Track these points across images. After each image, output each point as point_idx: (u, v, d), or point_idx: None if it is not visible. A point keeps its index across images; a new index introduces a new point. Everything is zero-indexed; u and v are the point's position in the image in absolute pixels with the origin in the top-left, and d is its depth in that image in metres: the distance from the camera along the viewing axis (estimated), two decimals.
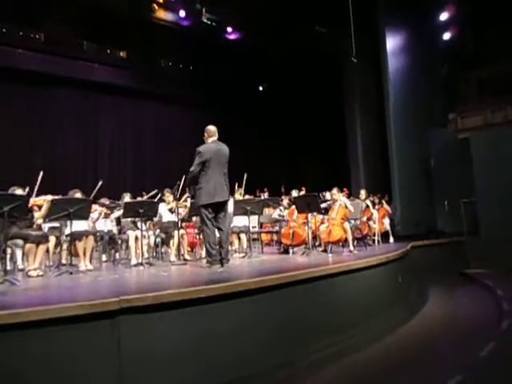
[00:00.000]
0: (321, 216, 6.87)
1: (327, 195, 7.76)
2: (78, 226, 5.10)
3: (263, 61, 13.09)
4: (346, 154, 13.43)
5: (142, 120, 13.29)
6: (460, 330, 4.74)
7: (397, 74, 11.81)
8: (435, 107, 12.13)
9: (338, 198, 6.46)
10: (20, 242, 4.63)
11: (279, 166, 14.54)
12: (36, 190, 5.09)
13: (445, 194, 11.21)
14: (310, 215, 6.44)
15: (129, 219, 5.73)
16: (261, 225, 7.73)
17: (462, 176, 10.69)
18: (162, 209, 6.24)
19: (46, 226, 5.41)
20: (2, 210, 3.94)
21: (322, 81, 13.66)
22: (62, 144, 11.66)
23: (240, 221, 6.47)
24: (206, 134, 4.92)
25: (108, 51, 12.13)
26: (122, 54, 12.41)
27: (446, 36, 12.23)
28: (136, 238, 5.58)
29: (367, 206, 7.59)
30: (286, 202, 7.93)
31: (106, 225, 6.34)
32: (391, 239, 8.56)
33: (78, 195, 5.40)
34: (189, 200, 6.37)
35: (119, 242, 6.10)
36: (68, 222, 4.83)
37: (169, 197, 6.33)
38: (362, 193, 7.90)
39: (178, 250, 5.98)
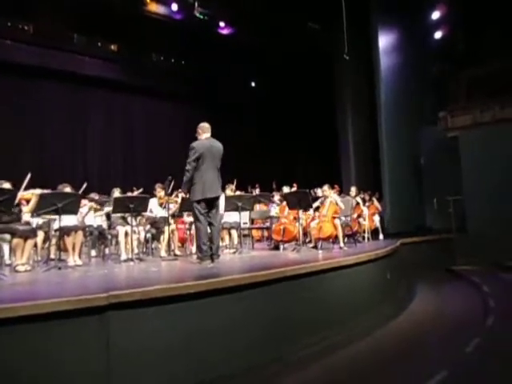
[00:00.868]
0: (311, 212, 6.90)
1: (318, 192, 7.79)
2: (67, 220, 5.05)
3: (255, 56, 13.06)
4: (338, 151, 13.48)
5: (133, 114, 13.16)
6: (446, 325, 4.82)
7: (388, 73, 11.88)
8: (425, 106, 12.24)
9: (329, 195, 6.49)
10: (7, 236, 4.56)
11: (271, 163, 14.53)
12: (23, 187, 4.98)
13: (434, 192, 11.34)
14: (300, 211, 6.46)
15: (118, 214, 5.69)
16: (252, 221, 7.74)
17: (452, 174, 10.83)
18: (153, 204, 6.20)
19: (34, 221, 5.35)
20: None
21: (314, 78, 13.68)
22: (51, 138, 11.50)
23: (231, 217, 6.47)
24: (199, 131, 4.92)
25: (99, 44, 11.95)
26: (112, 47, 12.25)
27: (438, 35, 12.32)
28: (126, 234, 5.54)
29: (357, 203, 7.65)
30: (277, 198, 7.94)
31: (96, 220, 6.29)
32: (381, 236, 8.64)
33: (68, 190, 5.34)
34: (180, 196, 6.35)
35: (109, 237, 6.06)
36: (57, 217, 4.78)
37: (160, 192, 6.29)
38: (353, 190, 7.96)
39: (169, 245, 5.96)
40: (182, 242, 6.96)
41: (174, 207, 6.28)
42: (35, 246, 5.08)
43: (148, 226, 6.21)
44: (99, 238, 6.14)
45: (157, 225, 6.13)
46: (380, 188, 11.59)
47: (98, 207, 6.22)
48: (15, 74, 10.73)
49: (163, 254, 5.89)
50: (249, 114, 14.36)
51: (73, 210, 4.82)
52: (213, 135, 4.95)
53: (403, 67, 11.90)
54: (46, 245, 5.41)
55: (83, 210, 5.79)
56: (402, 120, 11.74)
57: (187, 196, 5.20)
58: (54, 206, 4.54)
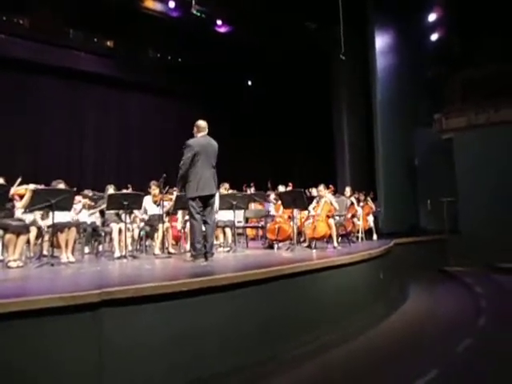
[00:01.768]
0: (306, 212, 6.91)
1: (314, 191, 7.80)
2: (61, 217, 5.02)
3: (252, 55, 13.04)
4: (333, 152, 13.52)
5: (128, 111, 13.11)
6: (438, 326, 4.86)
7: (384, 74, 11.93)
8: (421, 107, 12.30)
9: (324, 195, 6.51)
10: (0, 231, 4.53)
11: (266, 162, 14.56)
12: (15, 186, 4.94)
13: (428, 193, 11.41)
14: (296, 211, 6.47)
15: (112, 211, 5.67)
16: (246, 219, 7.73)
17: (446, 175, 10.90)
18: (147, 201, 6.18)
19: (27, 218, 5.31)
20: None
21: (311, 78, 13.69)
22: (46, 133, 11.43)
23: (225, 215, 6.46)
24: (195, 129, 4.92)
25: (95, 40, 11.90)
26: (109, 43, 12.19)
27: (434, 37, 12.38)
28: (120, 231, 5.52)
29: (352, 203, 7.67)
30: (273, 196, 7.94)
31: (90, 217, 6.25)
32: (374, 236, 8.68)
33: (62, 186, 5.30)
34: (175, 193, 6.33)
35: (102, 234, 6.03)
36: (50, 213, 4.75)
37: (155, 189, 6.27)
38: (347, 190, 7.98)
39: (163, 243, 5.95)
40: (176, 239, 6.95)
41: (168, 205, 6.27)
42: (28, 242, 5.04)
43: (142, 224, 6.19)
44: (93, 234, 6.10)
45: (151, 222, 6.12)
46: (374, 188, 11.64)
47: (92, 204, 6.18)
48: (10, 68, 10.65)
49: (157, 251, 5.87)
50: (245, 112, 14.35)
51: (66, 206, 4.79)
52: (208, 133, 4.95)
53: (399, 68, 11.95)
54: (39, 241, 5.37)
55: (77, 206, 5.75)
56: (397, 121, 11.79)
57: (181, 192, 5.18)
58: (47, 202, 4.51)
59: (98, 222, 6.13)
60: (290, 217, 6.52)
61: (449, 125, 11.44)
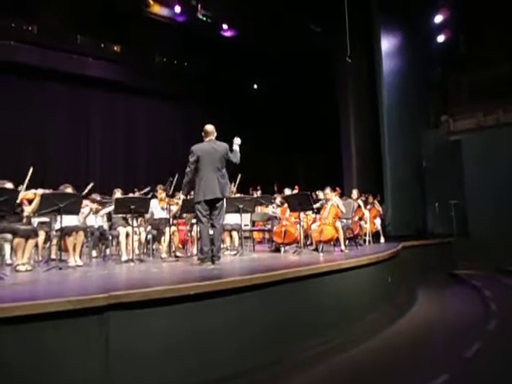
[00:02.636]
0: (313, 215, 6.89)
1: (320, 194, 7.78)
2: (69, 220, 5.06)
3: (258, 59, 13.07)
4: (339, 154, 13.47)
5: (135, 115, 13.20)
6: (447, 330, 4.80)
7: (391, 76, 11.87)
8: (428, 109, 12.22)
9: (330, 198, 6.48)
10: (9, 236, 4.57)
11: (273, 165, 14.55)
12: (26, 184, 5.01)
13: (436, 195, 11.31)
14: (302, 214, 6.45)
15: (120, 215, 5.70)
16: (253, 223, 7.73)
17: (454, 178, 10.80)
18: (154, 205, 6.21)
19: (35, 221, 5.36)
20: None
21: (316, 81, 13.67)
22: (54, 138, 11.54)
23: (232, 218, 6.47)
24: (203, 133, 4.98)
25: (102, 45, 12.02)
26: (116, 48, 12.31)
27: (440, 39, 12.31)
28: (127, 234, 5.55)
29: (359, 206, 7.63)
30: (279, 199, 7.94)
31: (97, 220, 6.30)
32: (382, 239, 8.61)
33: (69, 190, 5.35)
34: (181, 197, 6.35)
35: (110, 237, 6.06)
36: (58, 217, 4.79)
37: (161, 194, 6.30)
38: (354, 192, 7.94)
39: (169, 246, 5.96)
40: (183, 243, 6.97)
41: (175, 209, 6.29)
42: (36, 245, 5.09)
43: (149, 227, 6.21)
44: (100, 238, 6.15)
45: (157, 226, 6.14)
46: (382, 191, 11.57)
47: (100, 208, 6.23)
48: (19, 74, 10.78)
49: (164, 255, 5.89)
50: (251, 116, 14.37)
51: (74, 210, 4.83)
52: (216, 137, 4.98)
53: (406, 70, 11.89)
54: (47, 245, 5.42)
55: (85, 210, 5.80)
56: (405, 123, 11.72)
57: (187, 197, 5.23)
58: (55, 206, 4.55)
59: (106, 226, 6.17)
60: (296, 220, 6.50)
61: (456, 126, 11.36)
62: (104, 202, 6.55)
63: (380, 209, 8.93)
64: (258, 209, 8.01)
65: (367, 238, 7.92)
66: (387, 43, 12.02)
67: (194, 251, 6.04)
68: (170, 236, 5.90)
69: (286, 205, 6.81)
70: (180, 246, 6.66)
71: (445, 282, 8.12)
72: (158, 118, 13.41)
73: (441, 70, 12.53)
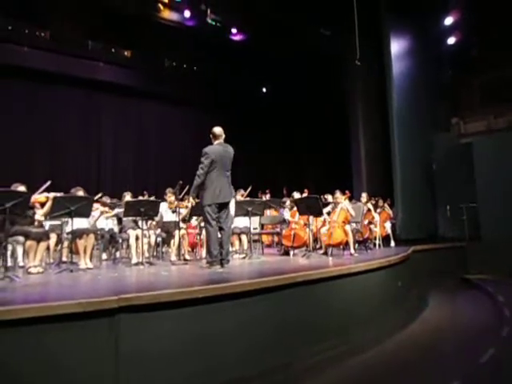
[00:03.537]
0: (322, 218, 6.86)
1: (329, 198, 7.75)
2: (79, 223, 5.11)
3: (267, 63, 13.10)
4: (349, 157, 13.40)
5: (146, 120, 13.31)
6: (460, 335, 4.72)
7: (401, 78, 11.78)
8: (438, 112, 12.10)
9: (340, 201, 6.45)
10: (21, 238, 4.63)
11: (282, 169, 14.54)
12: (41, 191, 5.08)
13: (447, 199, 11.17)
14: (311, 217, 6.42)
15: (130, 218, 5.74)
16: (262, 226, 7.72)
17: (465, 181, 10.65)
18: (163, 208, 6.24)
19: (47, 224, 5.42)
20: (3, 206, 3.94)
21: (326, 83, 13.66)
22: (65, 142, 11.69)
23: (241, 222, 6.47)
24: (212, 136, 4.96)
25: (112, 50, 12.16)
26: (126, 53, 12.44)
27: (451, 41, 12.21)
28: (137, 237, 5.58)
29: (369, 210, 7.58)
30: (288, 203, 7.92)
31: (107, 223, 6.35)
32: (392, 243, 8.54)
33: (81, 193, 5.41)
34: (191, 201, 6.37)
35: (120, 240, 6.10)
36: (69, 220, 4.84)
37: (170, 197, 6.33)
38: (364, 196, 7.89)
39: (179, 249, 5.98)
40: (193, 246, 6.98)
41: (184, 212, 6.31)
42: (48, 248, 5.14)
43: (158, 230, 6.24)
44: (110, 241, 6.19)
45: (167, 229, 6.17)
46: (392, 194, 11.47)
47: (110, 211, 6.28)
48: (31, 79, 10.97)
49: (173, 258, 5.91)
50: (259, 119, 14.39)
51: (85, 213, 4.88)
52: (225, 140, 4.98)
53: (416, 73, 11.79)
54: (59, 247, 5.47)
55: (95, 213, 5.85)
56: (415, 126, 11.61)
57: (195, 200, 5.23)
58: (66, 209, 4.61)
59: (116, 229, 6.22)
60: (305, 223, 6.48)
61: (467, 129, 11.24)
62: (114, 205, 6.60)
63: (390, 212, 8.86)
64: (268, 212, 8.00)
65: (377, 242, 7.85)
66: (397, 45, 11.94)
67: (203, 254, 6.05)
68: (180, 239, 5.92)
69: (295, 208, 6.79)
70: (189, 249, 6.67)
71: (456, 287, 8.00)
72: (167, 123, 13.51)
73: (451, 73, 12.41)
